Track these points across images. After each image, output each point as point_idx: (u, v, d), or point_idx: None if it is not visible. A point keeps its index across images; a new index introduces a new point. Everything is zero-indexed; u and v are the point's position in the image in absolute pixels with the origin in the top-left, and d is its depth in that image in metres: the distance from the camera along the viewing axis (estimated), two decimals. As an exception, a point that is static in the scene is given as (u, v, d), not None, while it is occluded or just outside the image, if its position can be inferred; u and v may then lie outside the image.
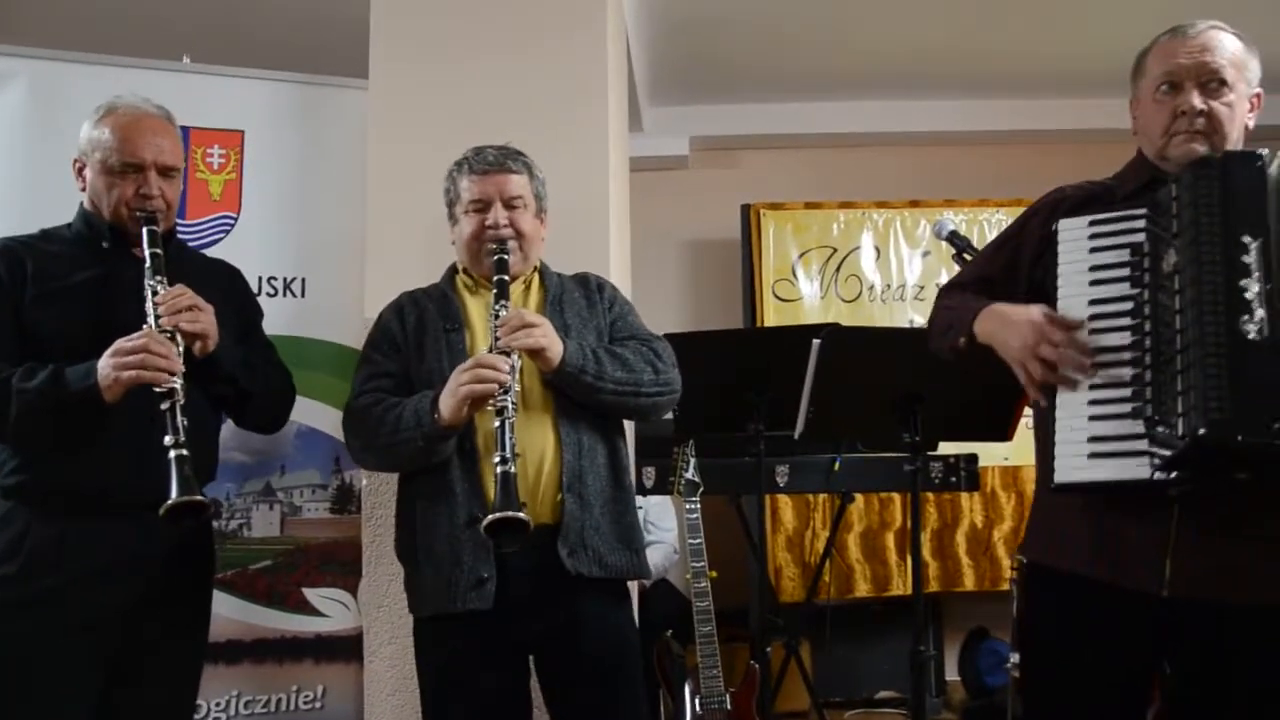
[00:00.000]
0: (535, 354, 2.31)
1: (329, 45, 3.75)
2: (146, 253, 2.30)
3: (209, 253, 2.90)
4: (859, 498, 4.74)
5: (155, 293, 2.26)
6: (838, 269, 5.19)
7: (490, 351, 2.28)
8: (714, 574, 3.53)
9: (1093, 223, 1.97)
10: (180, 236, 3.13)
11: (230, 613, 3.09)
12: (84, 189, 2.43)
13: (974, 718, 4.69)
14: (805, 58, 4.88)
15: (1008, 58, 4.74)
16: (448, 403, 2.26)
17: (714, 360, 3.49)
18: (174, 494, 2.09)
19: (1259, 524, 1.90)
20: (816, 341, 3.01)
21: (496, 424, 2.19)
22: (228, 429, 3.07)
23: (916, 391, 2.96)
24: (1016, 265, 2.16)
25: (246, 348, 2.51)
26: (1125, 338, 1.88)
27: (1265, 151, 1.85)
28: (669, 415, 2.86)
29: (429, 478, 2.38)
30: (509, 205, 2.47)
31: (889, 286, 5.18)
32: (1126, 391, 1.86)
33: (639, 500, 3.00)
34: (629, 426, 2.74)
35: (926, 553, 4.86)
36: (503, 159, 2.50)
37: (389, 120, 3.15)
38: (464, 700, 2.35)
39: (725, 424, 3.56)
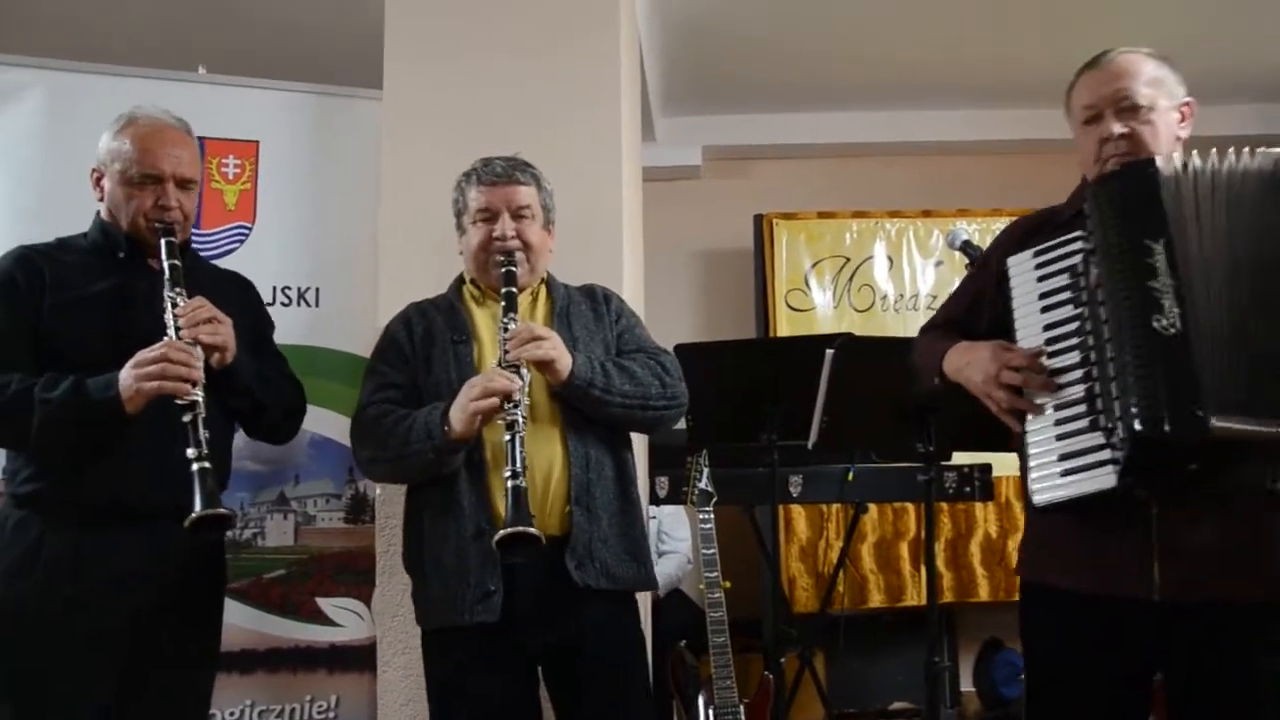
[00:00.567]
0: (544, 366, 2.32)
1: (343, 56, 3.77)
2: (165, 264, 2.31)
3: (224, 263, 2.91)
4: (873, 508, 4.72)
5: (175, 304, 2.27)
6: (850, 279, 5.19)
7: (499, 364, 2.29)
8: (727, 584, 3.52)
9: (1036, 253, 2.07)
10: (195, 246, 3.16)
11: (244, 622, 3.09)
12: (101, 199, 2.44)
13: (989, 729, 4.67)
14: (818, 67, 4.88)
15: (1021, 67, 4.73)
16: (459, 416, 2.26)
17: (727, 370, 3.48)
18: (198, 507, 2.10)
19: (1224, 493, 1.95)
20: (830, 351, 3.01)
21: (506, 438, 2.20)
22: (240, 438, 3.08)
23: (930, 402, 2.95)
24: (980, 303, 2.25)
25: (260, 360, 2.52)
26: (1076, 356, 1.96)
27: (1160, 158, 1.97)
28: (682, 425, 2.86)
29: (437, 490, 2.38)
30: (516, 216, 2.48)
31: (902, 296, 5.18)
32: (1084, 407, 1.94)
33: (652, 510, 3.01)
34: (638, 437, 2.73)
35: (941, 563, 4.84)
36: (511, 170, 2.50)
37: (402, 130, 3.16)
38: (471, 711, 2.35)
39: (738, 434, 3.55)
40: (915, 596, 4.85)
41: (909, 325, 5.07)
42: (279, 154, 3.29)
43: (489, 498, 2.32)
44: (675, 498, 3.82)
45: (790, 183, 5.48)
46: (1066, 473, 1.94)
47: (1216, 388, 1.82)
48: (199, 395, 2.19)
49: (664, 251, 4.87)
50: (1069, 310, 1.99)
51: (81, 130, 2.72)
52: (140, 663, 2.29)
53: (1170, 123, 2.11)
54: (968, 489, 3.85)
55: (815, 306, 5.16)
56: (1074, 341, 1.96)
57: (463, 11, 3.23)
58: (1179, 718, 2.06)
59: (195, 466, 2.13)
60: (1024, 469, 2.05)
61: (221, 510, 2.13)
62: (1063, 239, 2.03)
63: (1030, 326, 2.04)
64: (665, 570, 4.49)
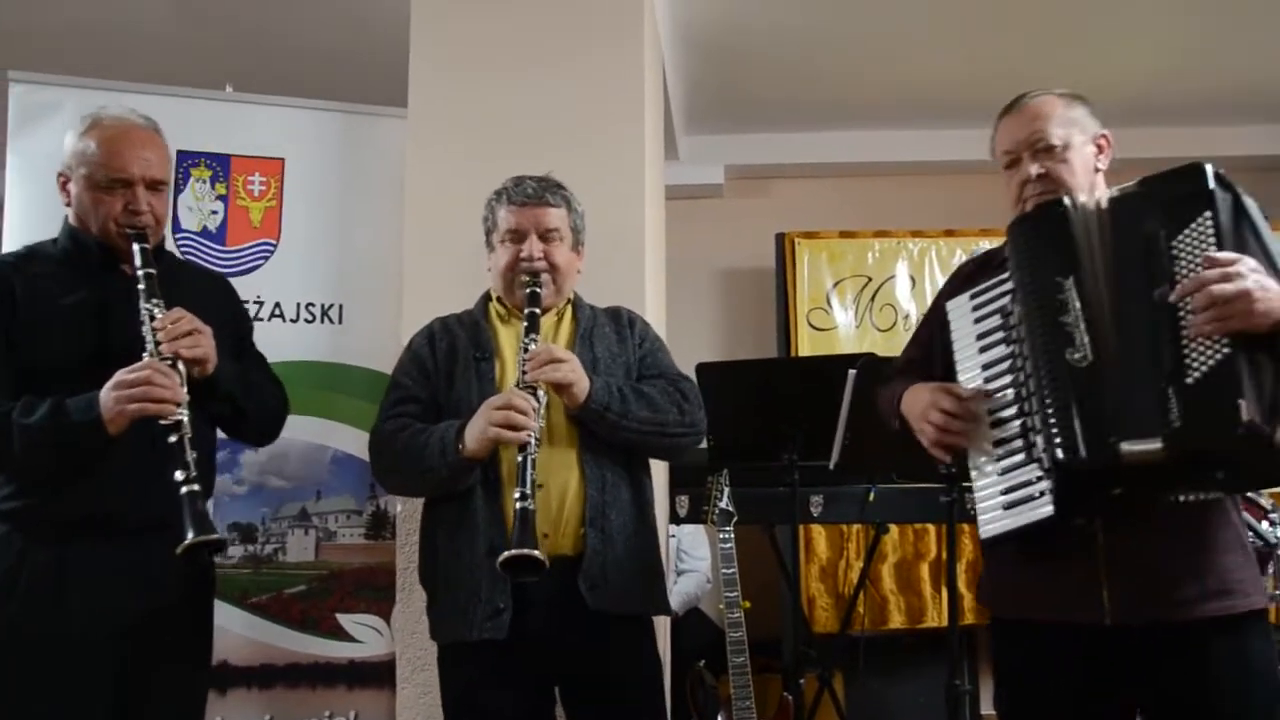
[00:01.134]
0: (561, 389, 2.32)
1: (369, 75, 3.80)
2: (140, 273, 2.23)
3: (249, 279, 2.93)
4: (893, 528, 4.70)
5: (153, 316, 2.19)
6: (872, 298, 5.17)
7: (517, 384, 2.29)
8: (747, 604, 3.51)
9: (972, 296, 2.16)
10: (221, 263, 3.18)
11: (264, 637, 3.10)
12: (69, 204, 2.35)
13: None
14: (840, 87, 4.88)
15: (1042, 86, 4.72)
16: (474, 436, 2.27)
17: (749, 390, 3.48)
18: (190, 534, 2.04)
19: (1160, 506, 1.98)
20: (852, 372, 3.00)
21: (519, 458, 2.20)
22: (265, 454, 3.10)
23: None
24: (931, 347, 2.31)
25: (241, 364, 2.47)
26: (1010, 394, 2.03)
27: (1068, 197, 2.05)
28: (703, 444, 2.85)
29: (451, 506, 2.38)
30: (545, 238, 2.48)
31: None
32: (1020, 442, 2.01)
33: (671, 529, 3.00)
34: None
35: (962, 584, 4.78)
36: (541, 191, 2.50)
37: (427, 149, 3.18)
38: None
39: (759, 453, 3.54)
40: (936, 618, 4.82)
41: (931, 345, 5.05)
42: (304, 171, 3.32)
43: (503, 516, 2.32)
44: (695, 517, 3.81)
45: (812, 202, 5.48)
46: (1009, 505, 2.00)
47: (1126, 413, 1.88)
48: (184, 414, 2.13)
49: (686, 270, 4.87)
50: (1002, 350, 2.07)
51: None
52: (131, 677, 2.24)
53: (1086, 157, 2.18)
54: (989, 511, 3.82)
55: (837, 326, 5.15)
56: (1008, 379, 2.04)
57: (487, 32, 3.25)
58: None
59: (184, 490, 2.07)
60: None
61: (214, 536, 2.08)
62: (994, 280, 2.12)
63: (970, 367, 2.12)
64: (684, 589, 4.48)
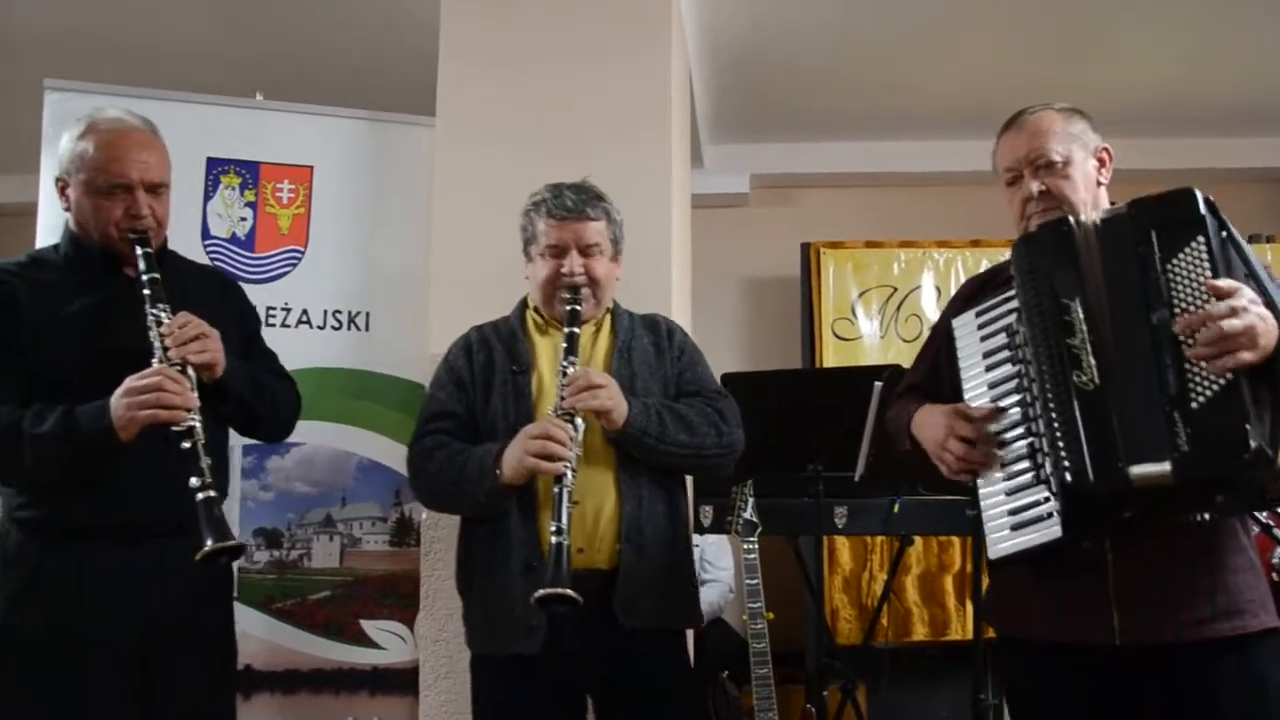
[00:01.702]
0: (600, 414, 2.32)
1: (398, 83, 3.82)
2: (144, 277, 2.21)
3: (276, 287, 2.94)
4: (917, 540, 4.67)
5: (160, 321, 2.17)
6: (898, 308, 5.15)
7: (555, 412, 2.29)
8: (770, 615, 3.50)
9: (978, 313, 2.15)
10: (249, 270, 3.19)
11: (288, 642, 3.12)
12: (68, 209, 2.33)
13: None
14: (866, 96, 4.87)
15: (1067, 98, 4.65)
16: (510, 465, 2.27)
17: (774, 400, 3.47)
18: (208, 540, 2.03)
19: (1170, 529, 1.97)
20: (878, 384, 2.99)
21: (555, 489, 2.21)
22: (291, 460, 3.12)
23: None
24: (938, 366, 2.30)
25: (250, 364, 2.45)
26: (1017, 413, 2.02)
27: (1072, 216, 2.04)
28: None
29: (488, 522, 2.39)
30: (585, 253, 2.46)
31: (950, 327, 5.13)
32: (1027, 463, 1.99)
33: (695, 539, 3.00)
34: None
35: (986, 597, 4.78)
36: (581, 205, 2.47)
37: (454, 156, 3.19)
38: None
39: (784, 464, 3.53)
40: (959, 630, 4.79)
41: (957, 356, 5.03)
42: (333, 179, 3.34)
43: (539, 534, 2.32)
44: (719, 527, 3.80)
45: (838, 211, 5.46)
46: (1016, 526, 1.99)
47: (1136, 437, 1.87)
48: (196, 420, 2.11)
49: (711, 278, 4.87)
50: (1008, 368, 2.05)
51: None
52: (154, 681, 2.23)
53: (1088, 172, 2.18)
54: (1015, 524, 3.80)
55: (862, 336, 5.13)
56: (1015, 399, 2.03)
57: (515, 41, 3.26)
58: None
59: (200, 496, 2.06)
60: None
61: (232, 542, 2.07)
62: (1000, 298, 2.10)
63: (977, 385, 2.10)
64: (707, 599, 4.45)
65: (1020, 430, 2.01)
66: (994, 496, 2.04)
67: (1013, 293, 2.07)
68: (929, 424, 2.16)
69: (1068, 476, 1.90)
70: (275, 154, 3.28)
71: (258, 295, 2.91)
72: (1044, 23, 4.16)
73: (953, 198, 5.41)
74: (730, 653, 4.13)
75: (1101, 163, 2.22)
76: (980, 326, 2.13)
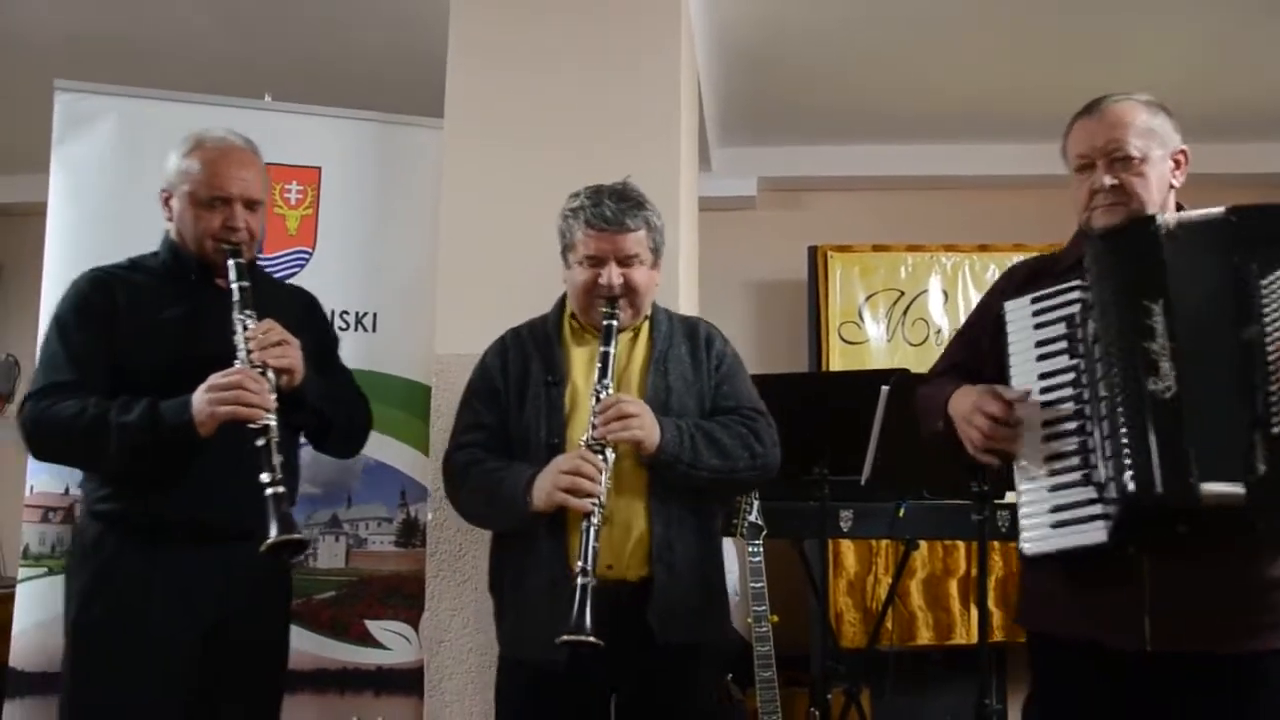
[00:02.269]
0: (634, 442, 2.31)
1: (406, 85, 3.83)
2: (234, 286, 2.34)
3: (284, 287, 2.94)
4: (922, 544, 4.67)
5: (245, 327, 2.29)
6: (905, 312, 5.15)
7: (586, 441, 2.27)
8: (775, 618, 3.49)
9: (1034, 300, 2.08)
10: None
11: (293, 642, 3.08)
12: (170, 219, 2.47)
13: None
14: (874, 100, 4.87)
15: (1077, 101, 4.69)
16: (540, 496, 2.27)
17: (780, 403, 3.45)
18: (273, 532, 2.12)
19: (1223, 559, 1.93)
20: (885, 388, 2.99)
21: (583, 525, 2.20)
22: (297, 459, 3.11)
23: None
24: (979, 349, 2.25)
25: (326, 378, 2.54)
26: (1070, 408, 1.97)
27: (1163, 216, 1.96)
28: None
29: (518, 534, 2.40)
30: (624, 264, 2.41)
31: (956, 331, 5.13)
32: (1076, 460, 1.95)
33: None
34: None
35: (991, 601, 4.74)
36: (621, 216, 2.40)
37: (463, 158, 3.20)
38: None
39: (790, 467, 3.52)
40: (964, 634, 4.78)
41: (963, 360, 5.03)
42: (341, 180, 3.35)
43: (565, 552, 2.31)
44: (724, 530, 3.78)
45: (845, 215, 5.46)
46: (1058, 524, 1.96)
47: (1209, 454, 1.82)
48: (272, 420, 2.22)
49: (718, 281, 4.86)
50: (1064, 360, 2.00)
51: (151, 156, 2.77)
52: (213, 676, 2.34)
53: (1163, 173, 2.11)
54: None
55: (869, 339, 5.13)
56: (1069, 393, 1.97)
57: (523, 44, 3.27)
58: None
59: (269, 491, 2.15)
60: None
61: (297, 535, 2.15)
62: (1061, 287, 2.04)
63: (1025, 374, 2.05)
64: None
65: (1072, 426, 1.96)
66: (1034, 492, 1.99)
67: (1077, 283, 2.00)
68: (963, 402, 2.11)
69: (1130, 485, 1.83)
70: (283, 155, 3.28)
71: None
72: (1051, 27, 4.15)
73: (960, 202, 5.42)
74: (735, 655, 4.13)
75: (1177, 164, 2.14)
76: (1036, 314, 2.06)
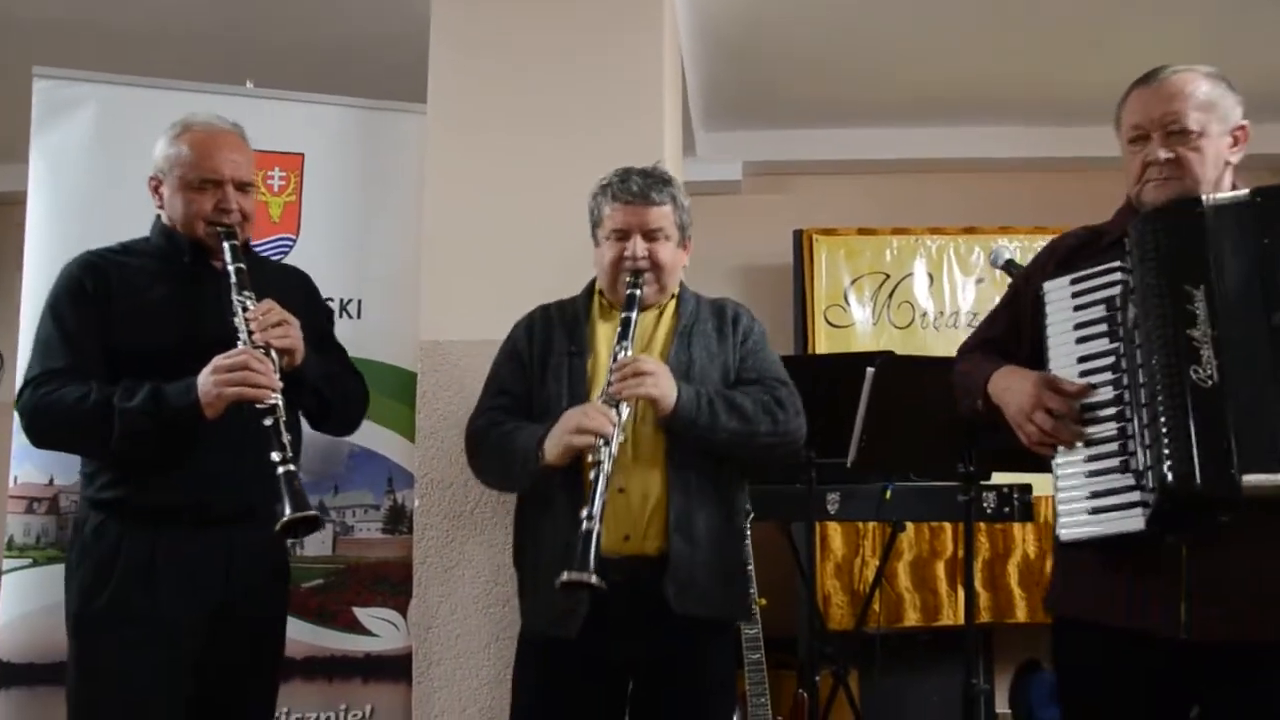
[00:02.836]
0: (648, 400, 2.32)
1: (389, 70, 3.81)
2: (230, 267, 2.35)
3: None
4: (909, 526, 4.68)
5: (245, 308, 2.30)
6: (890, 295, 5.15)
7: (601, 397, 2.30)
8: (763, 601, 3.50)
9: (1074, 280, 2.04)
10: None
11: (281, 630, 3.12)
12: (160, 206, 2.48)
13: (1026, 752, 4.62)
14: (859, 83, 4.87)
15: (1064, 84, 4.70)
16: (552, 446, 2.28)
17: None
18: (288, 510, 2.12)
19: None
20: (871, 370, 2.99)
21: (591, 474, 2.20)
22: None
23: (972, 421, 2.93)
24: (1019, 325, 2.20)
25: (323, 356, 2.55)
26: (1110, 393, 1.93)
27: (1207, 198, 1.91)
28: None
29: (537, 505, 2.42)
30: (649, 237, 2.45)
31: (942, 314, 5.14)
32: (1115, 446, 1.92)
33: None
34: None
35: (978, 583, 4.76)
36: (647, 190, 2.46)
37: (446, 144, 3.19)
38: (551, 715, 2.37)
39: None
40: (951, 616, 4.81)
41: (949, 343, 5.01)
42: (324, 167, 3.33)
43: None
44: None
45: (830, 198, 5.46)
46: (1095, 510, 1.93)
47: (1250, 444, 1.79)
48: (278, 399, 2.22)
49: (703, 266, 4.80)
50: (1104, 344, 1.96)
51: (132, 144, 2.78)
52: (214, 660, 2.34)
53: (1220, 149, 2.04)
54: (1007, 510, 3.81)
55: (854, 323, 5.13)
56: (1108, 377, 1.94)
57: (506, 28, 3.26)
58: None
59: (280, 470, 2.16)
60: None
61: (311, 512, 2.16)
62: (1101, 268, 1.99)
63: (1064, 356, 2.01)
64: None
65: (1111, 412, 1.92)
66: (1073, 477, 1.96)
67: (1117, 264, 1.96)
68: (1014, 389, 2.05)
69: (1169, 476, 1.80)
70: (266, 142, 3.24)
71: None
72: (1036, 7, 4.15)
73: (945, 185, 5.42)
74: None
75: (1236, 141, 2.07)
76: (1075, 295, 2.02)
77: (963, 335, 5.02)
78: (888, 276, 5.17)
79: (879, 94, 4.97)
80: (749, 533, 3.50)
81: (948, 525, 4.84)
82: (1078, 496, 1.95)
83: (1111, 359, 1.94)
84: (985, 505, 3.71)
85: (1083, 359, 1.98)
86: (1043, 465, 3.06)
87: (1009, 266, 3.18)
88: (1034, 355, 2.08)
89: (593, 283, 2.60)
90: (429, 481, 3.06)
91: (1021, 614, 4.89)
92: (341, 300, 3.29)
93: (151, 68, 3.47)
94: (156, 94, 3.19)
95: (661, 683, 2.37)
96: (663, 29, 3.29)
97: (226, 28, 4.17)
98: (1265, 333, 1.81)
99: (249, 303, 2.31)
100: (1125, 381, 1.91)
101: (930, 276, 5.16)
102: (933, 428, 2.97)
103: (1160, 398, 1.83)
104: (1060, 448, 1.99)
